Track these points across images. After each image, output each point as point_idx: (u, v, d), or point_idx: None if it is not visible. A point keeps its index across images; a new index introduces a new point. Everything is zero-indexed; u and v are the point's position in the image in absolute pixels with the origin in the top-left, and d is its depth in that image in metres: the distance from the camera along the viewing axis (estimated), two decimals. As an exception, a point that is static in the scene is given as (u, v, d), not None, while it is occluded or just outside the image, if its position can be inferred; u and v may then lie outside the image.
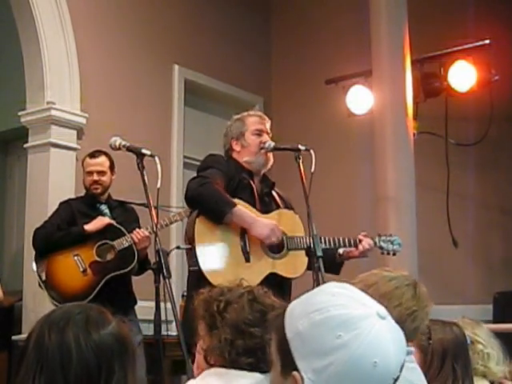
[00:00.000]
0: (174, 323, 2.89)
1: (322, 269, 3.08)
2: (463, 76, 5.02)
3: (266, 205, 3.43)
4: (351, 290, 1.23)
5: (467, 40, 5.05)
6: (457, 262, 5.44)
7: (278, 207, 3.47)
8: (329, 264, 3.42)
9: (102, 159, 4.14)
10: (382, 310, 1.18)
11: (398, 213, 4.61)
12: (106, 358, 1.24)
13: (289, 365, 1.17)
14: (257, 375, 1.58)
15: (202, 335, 1.68)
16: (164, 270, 2.84)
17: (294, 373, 1.16)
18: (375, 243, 3.54)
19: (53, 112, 4.72)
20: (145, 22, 5.50)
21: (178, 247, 3.41)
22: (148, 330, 4.22)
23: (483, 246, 5.62)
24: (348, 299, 1.19)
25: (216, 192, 3.21)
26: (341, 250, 3.48)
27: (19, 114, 4.89)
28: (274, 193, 3.55)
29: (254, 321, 1.62)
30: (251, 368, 1.58)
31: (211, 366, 1.63)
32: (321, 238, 3.31)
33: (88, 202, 4.18)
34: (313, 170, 3.19)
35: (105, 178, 4.14)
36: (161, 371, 3.19)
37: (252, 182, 3.41)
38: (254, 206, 3.35)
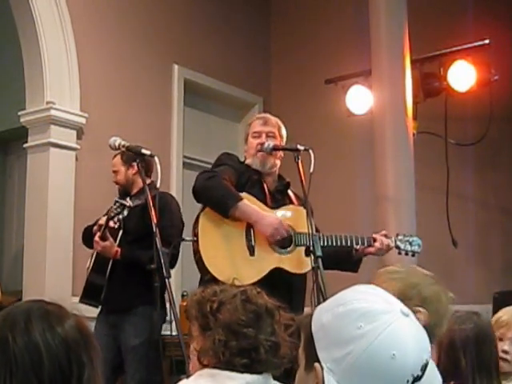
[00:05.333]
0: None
1: (322, 269, 3.09)
2: (463, 76, 5.01)
3: (277, 202, 3.44)
4: (377, 289, 1.26)
5: (467, 40, 5.04)
6: (456, 262, 5.44)
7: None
8: (345, 262, 3.44)
9: (115, 159, 4.15)
10: (406, 309, 1.20)
11: (397, 213, 4.61)
12: (75, 352, 1.21)
13: (311, 358, 1.19)
14: (248, 376, 1.58)
15: (195, 336, 1.68)
16: (164, 270, 2.84)
17: (315, 364, 1.18)
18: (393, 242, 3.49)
19: (52, 112, 4.72)
20: (144, 22, 5.51)
21: (182, 239, 3.42)
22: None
23: (483, 246, 5.62)
24: (373, 296, 1.22)
25: (222, 186, 3.24)
26: (357, 246, 3.43)
27: (19, 113, 4.89)
28: (290, 192, 3.55)
29: (248, 321, 1.62)
30: (245, 369, 1.58)
31: (204, 366, 1.63)
32: (335, 237, 3.31)
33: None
34: (312, 170, 3.20)
35: (119, 177, 4.14)
36: (161, 371, 3.19)
37: (262, 180, 3.43)
38: (264, 202, 3.37)
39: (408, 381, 1.15)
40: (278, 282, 3.15)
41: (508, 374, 2.52)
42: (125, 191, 4.13)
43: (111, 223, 3.93)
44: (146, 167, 4.09)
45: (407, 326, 1.17)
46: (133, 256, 3.90)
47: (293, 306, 3.07)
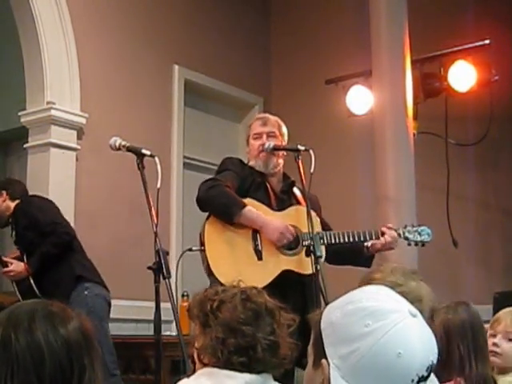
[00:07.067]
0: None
1: (322, 269, 3.08)
2: (463, 76, 5.02)
3: (283, 202, 3.43)
4: (387, 290, 1.27)
5: (467, 40, 5.04)
6: (457, 262, 5.44)
7: (300, 204, 3.45)
8: (356, 257, 3.43)
9: None
10: (414, 310, 1.21)
11: (398, 213, 4.61)
12: (76, 354, 1.22)
13: (320, 355, 1.20)
14: (247, 376, 1.58)
15: (196, 335, 1.69)
16: (164, 270, 2.84)
17: (322, 360, 1.19)
18: (399, 234, 3.46)
19: (53, 112, 4.72)
20: (145, 22, 5.51)
21: (189, 249, 3.38)
22: (148, 329, 4.22)
23: (483, 246, 5.62)
24: (382, 296, 1.23)
25: (225, 194, 3.25)
26: (368, 243, 3.42)
27: (19, 114, 4.89)
28: (296, 191, 3.53)
29: (246, 319, 1.63)
30: (243, 368, 1.59)
31: (205, 365, 1.64)
32: (342, 233, 3.31)
33: None
34: (312, 170, 3.20)
35: None
36: (161, 371, 3.18)
37: (266, 182, 3.43)
38: (269, 204, 3.37)
39: (413, 380, 1.15)
40: (291, 284, 3.16)
41: (504, 369, 2.51)
42: (3, 221, 4.27)
43: (11, 254, 4.19)
44: (14, 191, 4.28)
45: (415, 326, 1.18)
46: (38, 257, 4.06)
47: (308, 305, 3.08)
